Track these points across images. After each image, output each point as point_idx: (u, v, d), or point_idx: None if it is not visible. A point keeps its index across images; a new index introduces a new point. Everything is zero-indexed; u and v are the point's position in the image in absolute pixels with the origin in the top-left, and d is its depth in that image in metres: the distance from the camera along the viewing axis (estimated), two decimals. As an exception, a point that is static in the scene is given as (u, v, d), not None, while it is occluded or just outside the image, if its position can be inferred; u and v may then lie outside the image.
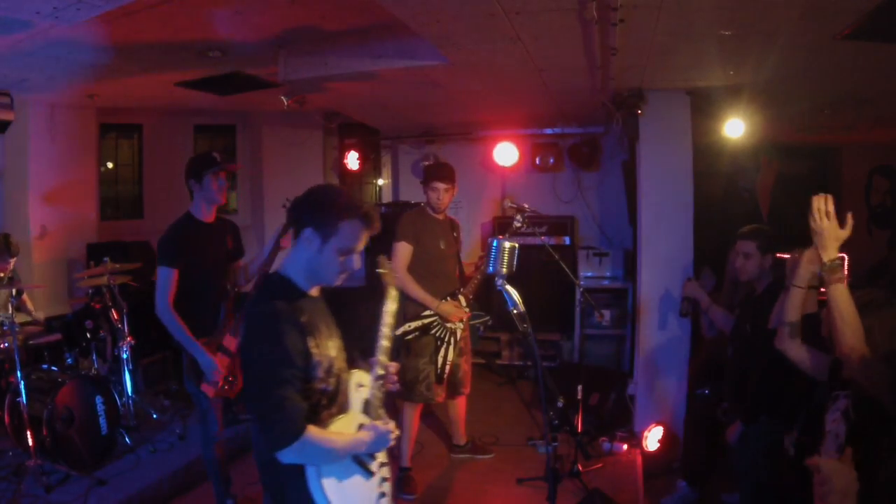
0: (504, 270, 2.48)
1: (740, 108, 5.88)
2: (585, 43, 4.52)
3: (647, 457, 5.69)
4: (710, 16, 3.89)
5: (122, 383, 5.89)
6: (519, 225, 5.17)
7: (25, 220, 7.16)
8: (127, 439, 5.49)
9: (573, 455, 5.27)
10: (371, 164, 9.63)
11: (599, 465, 5.53)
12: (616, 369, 7.50)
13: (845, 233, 2.91)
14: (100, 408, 5.20)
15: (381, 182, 9.87)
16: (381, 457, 2.70)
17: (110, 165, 8.64)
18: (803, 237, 3.09)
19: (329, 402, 2.51)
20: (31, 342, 5.83)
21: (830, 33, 4.09)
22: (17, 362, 4.84)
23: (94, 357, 5.91)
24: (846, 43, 4.22)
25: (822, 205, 2.93)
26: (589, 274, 7.93)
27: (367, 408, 2.65)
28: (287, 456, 2.33)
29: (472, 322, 5.37)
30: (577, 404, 5.55)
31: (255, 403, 2.37)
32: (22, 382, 4.81)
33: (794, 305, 3.30)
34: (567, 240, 8.19)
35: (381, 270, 2.81)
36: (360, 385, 2.67)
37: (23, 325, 5.72)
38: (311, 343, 2.42)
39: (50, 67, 5.63)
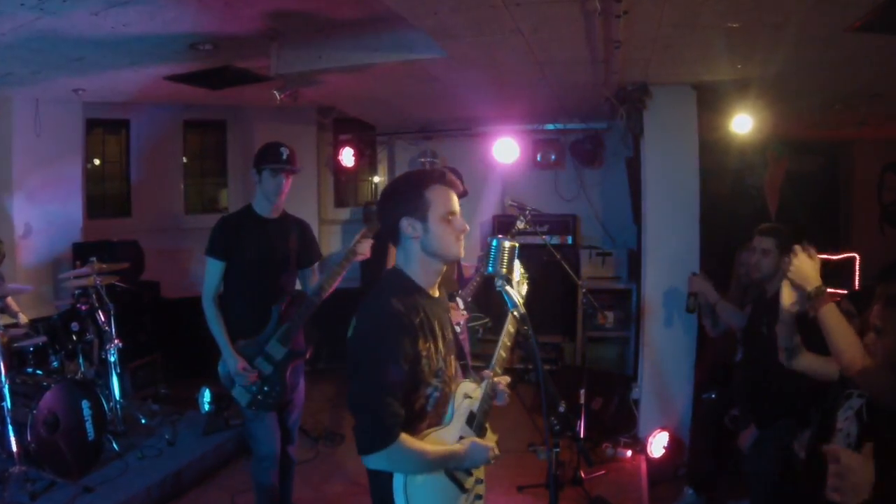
0: (504, 271, 2.47)
1: (748, 103, 5.89)
2: (588, 35, 4.52)
3: (652, 463, 5.69)
4: (716, 7, 3.89)
5: (109, 387, 5.88)
6: (522, 225, 5.17)
7: (9, 218, 7.14)
8: (114, 445, 5.47)
9: (575, 461, 5.27)
10: (367, 161, 9.63)
11: (603, 471, 5.53)
12: (620, 373, 7.51)
13: (816, 260, 3.04)
14: (86, 412, 5.19)
15: (376, 179, 9.87)
16: (479, 473, 2.65)
17: (97, 162, 8.63)
18: (813, 237, 3.12)
19: (433, 409, 2.50)
20: (15, 345, 5.81)
21: (841, 25, 4.09)
22: (1, 366, 4.82)
23: (80, 360, 5.91)
24: (857, 35, 4.22)
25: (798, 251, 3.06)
26: (591, 274, 7.93)
27: (471, 420, 2.61)
28: (374, 461, 2.33)
29: (470, 324, 5.37)
30: (579, 409, 5.55)
31: (354, 402, 2.37)
32: (6, 386, 4.79)
33: (785, 333, 3.34)
34: (569, 239, 8.20)
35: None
36: (468, 396, 2.64)
37: (6, 327, 5.71)
38: (422, 346, 2.40)
39: (35, 61, 5.61)
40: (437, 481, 2.47)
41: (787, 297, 3.16)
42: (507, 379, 2.83)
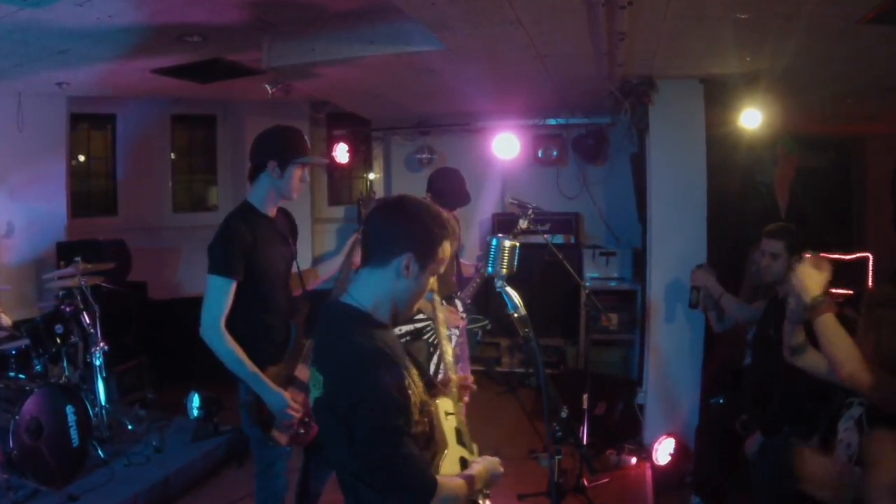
0: (504, 271, 2.47)
1: (757, 98, 5.89)
2: (591, 27, 4.52)
3: (658, 471, 5.69)
4: (724, -3, 3.90)
5: (94, 392, 5.87)
6: (525, 225, 5.17)
7: (-9, 217, 7.13)
8: (100, 452, 5.46)
9: (578, 469, 5.27)
10: (361, 157, 9.63)
11: (606, 479, 5.53)
12: (624, 377, 7.52)
13: (824, 274, 3.05)
14: (70, 418, 5.18)
15: (371, 176, 9.86)
16: (486, 486, 2.60)
17: (82, 158, 8.62)
18: (824, 235, 3.14)
19: (427, 444, 2.39)
20: (-4, 348, 5.83)
21: (854, 16, 4.09)
22: (-18, 370, 4.83)
23: (64, 364, 5.89)
24: (870, 27, 4.23)
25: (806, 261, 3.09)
26: (595, 275, 7.94)
27: (460, 437, 2.57)
28: None
29: (469, 327, 5.37)
30: (582, 414, 5.56)
31: (374, 470, 2.17)
32: (-14, 391, 4.80)
33: (790, 329, 3.36)
34: (572, 238, 8.20)
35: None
36: (448, 413, 2.57)
37: (-13, 329, 5.71)
38: (407, 381, 2.26)
39: (17, 53, 5.60)
40: None
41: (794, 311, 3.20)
42: (470, 377, 2.79)
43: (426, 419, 2.37)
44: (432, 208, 2.38)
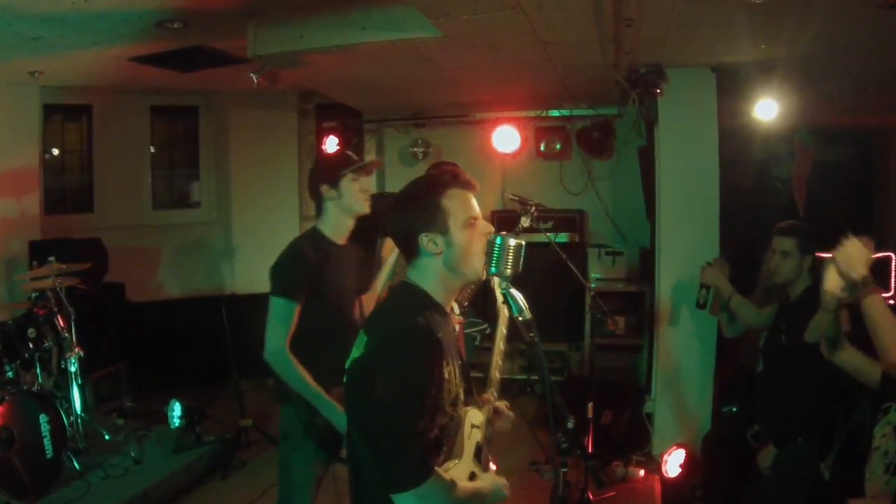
0: (509, 272, 2.46)
1: (773, 87, 5.89)
2: (597, 12, 4.52)
3: (667, 483, 5.70)
4: (738, -19, 3.90)
5: (69, 400, 5.85)
6: (527, 223, 5.16)
7: (-42, 214, 7.11)
8: (75, 464, 5.45)
9: (583, 482, 5.27)
10: (353, 151, 9.59)
11: (613, 493, 5.54)
12: (631, 384, 7.51)
13: (869, 249, 2.99)
14: (44, 428, 5.18)
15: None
16: None
17: (56, 152, 8.59)
18: (845, 235, 3.11)
19: (446, 441, 2.41)
20: (-35, 354, 5.81)
21: (875, 1, 4.09)
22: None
23: (37, 370, 5.86)
24: (893, 12, 4.22)
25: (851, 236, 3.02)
26: (600, 275, 7.93)
27: (478, 454, 2.56)
28: (406, 500, 2.21)
29: (467, 331, 5.36)
30: (586, 424, 5.55)
31: (376, 431, 2.26)
32: (-46, 400, 4.79)
33: (827, 321, 3.33)
34: (576, 237, 8.20)
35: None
36: (475, 426, 2.57)
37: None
38: (446, 369, 2.34)
39: (-14, 40, 5.60)
40: None
41: (832, 281, 3.12)
42: (506, 404, 2.81)
43: (456, 415, 2.43)
44: (415, 182, 2.55)
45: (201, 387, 7.31)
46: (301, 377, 3.61)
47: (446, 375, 2.32)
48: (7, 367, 5.69)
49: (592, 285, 6.73)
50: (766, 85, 5.88)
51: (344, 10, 5.22)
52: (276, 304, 3.64)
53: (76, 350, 5.91)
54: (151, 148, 9.12)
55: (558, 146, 8.46)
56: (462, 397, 2.49)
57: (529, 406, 7.56)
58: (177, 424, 6.28)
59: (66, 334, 5.88)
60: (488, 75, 6.70)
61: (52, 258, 5.89)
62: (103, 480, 5.39)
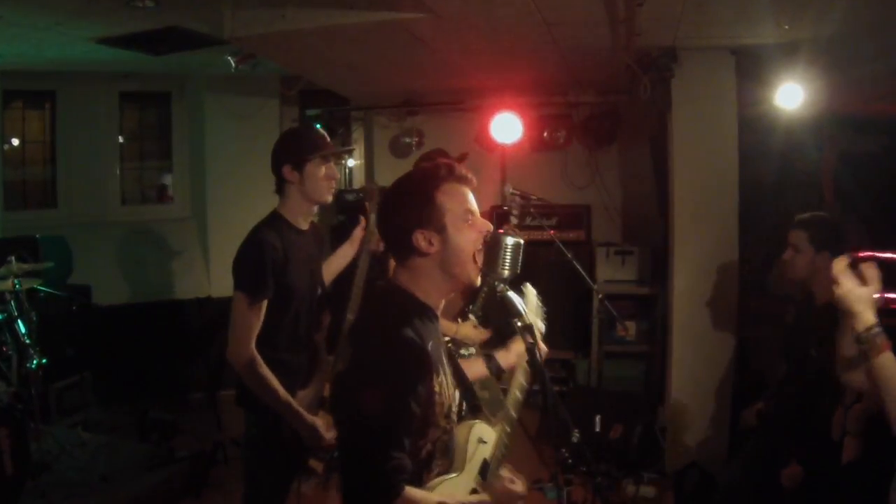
0: (507, 273, 2.46)
1: (798, 72, 5.89)
2: (605, -10, 4.53)
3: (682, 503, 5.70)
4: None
5: (30, 412, 5.84)
6: (517, 221, 5.15)
7: None
8: (36, 481, 5.43)
9: (590, 501, 5.27)
10: (339, 141, 9.60)
11: (622, 513, 5.54)
12: (643, 395, 7.51)
13: (871, 288, 2.64)
14: (2, 443, 5.16)
15: (351, 163, 9.85)
16: None
17: (15, 142, 8.62)
18: (875, 231, 3.06)
19: (440, 455, 2.45)
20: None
21: (908, -22, 4.10)
22: None
23: (-6, 380, 5.88)
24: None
25: (840, 267, 2.68)
26: (609, 277, 7.92)
27: (484, 471, 2.57)
28: None
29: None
30: (594, 438, 5.56)
31: (350, 447, 2.32)
32: None
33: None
34: (582, 234, 8.20)
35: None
36: (482, 441, 2.59)
37: None
38: (436, 381, 2.35)
39: (-61, 20, 5.59)
40: None
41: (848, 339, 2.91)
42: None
43: (449, 428, 2.45)
44: (407, 175, 2.55)
45: (174, 397, 7.31)
46: (266, 381, 3.51)
47: (436, 388, 2.33)
48: (-38, 377, 5.70)
49: (600, 287, 6.72)
50: (790, 69, 5.87)
51: (330, -13, 5.23)
52: (240, 301, 3.53)
53: (38, 358, 5.89)
54: (120, 138, 9.12)
55: (563, 136, 8.45)
56: (455, 410, 2.50)
57: (531, 419, 7.55)
58: (147, 439, 6.27)
59: (27, 340, 5.86)
60: (487, 59, 6.70)
61: (11, 258, 5.86)
62: (67, 500, 5.37)
